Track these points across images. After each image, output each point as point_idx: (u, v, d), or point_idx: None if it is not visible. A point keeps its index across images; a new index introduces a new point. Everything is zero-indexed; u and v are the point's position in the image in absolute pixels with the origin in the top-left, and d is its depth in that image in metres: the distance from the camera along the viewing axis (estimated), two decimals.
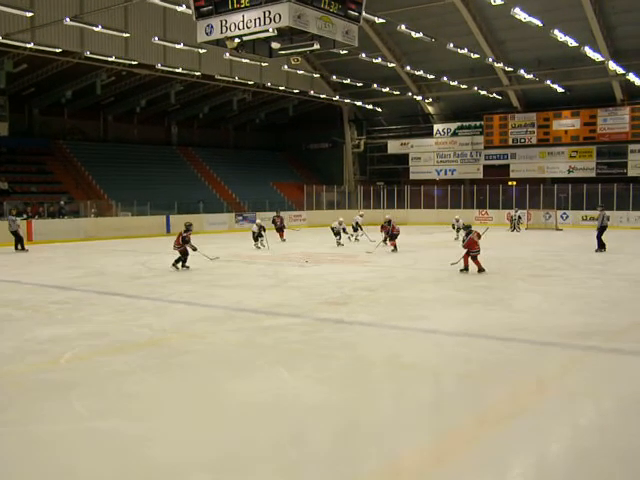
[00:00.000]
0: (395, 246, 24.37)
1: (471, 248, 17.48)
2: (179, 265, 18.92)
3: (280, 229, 30.27)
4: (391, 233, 24.61)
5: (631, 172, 41.70)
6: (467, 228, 18.23)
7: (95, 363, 8.81)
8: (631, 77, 37.32)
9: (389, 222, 24.65)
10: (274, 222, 30.79)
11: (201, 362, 8.79)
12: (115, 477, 5.34)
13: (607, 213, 24.05)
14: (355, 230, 29.62)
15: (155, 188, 38.83)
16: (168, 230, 34.57)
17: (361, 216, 30.77)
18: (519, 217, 36.27)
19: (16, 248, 25.36)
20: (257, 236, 26.46)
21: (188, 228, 19.22)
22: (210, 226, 36.88)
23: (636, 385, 7.92)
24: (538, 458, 5.77)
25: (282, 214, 32.21)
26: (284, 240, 29.60)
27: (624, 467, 5.52)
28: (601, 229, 23.29)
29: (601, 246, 23.12)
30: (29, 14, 27.49)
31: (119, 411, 6.84)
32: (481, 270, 17.44)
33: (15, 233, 25.39)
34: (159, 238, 31.61)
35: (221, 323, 11.35)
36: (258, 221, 27.75)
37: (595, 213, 39.85)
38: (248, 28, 17.19)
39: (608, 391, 7.69)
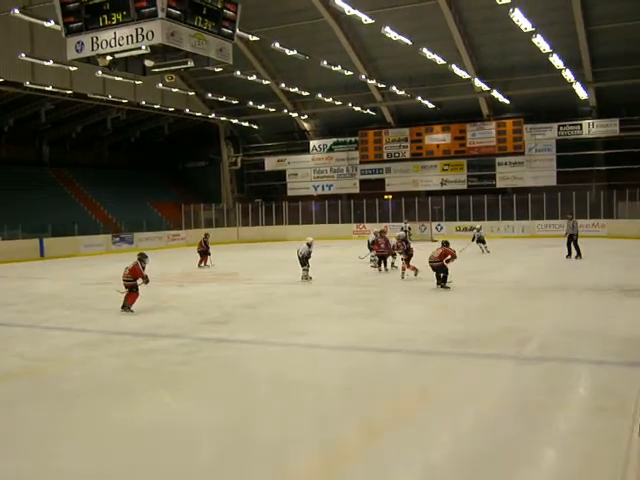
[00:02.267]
0: (415, 270, 19.17)
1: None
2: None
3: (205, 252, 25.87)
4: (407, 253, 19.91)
5: (499, 184, 43.38)
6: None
7: None
8: (495, 94, 38.92)
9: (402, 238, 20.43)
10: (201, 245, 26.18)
11: (80, 390, 8.52)
12: None
13: (577, 221, 25.14)
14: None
15: (27, 210, 37.36)
16: (42, 254, 33.37)
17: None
18: (409, 228, 36.98)
19: None
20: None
21: (144, 260, 15.55)
22: (86, 248, 35.84)
23: (511, 388, 8.23)
24: (423, 466, 5.92)
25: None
26: (207, 266, 25.48)
27: (500, 468, 5.72)
28: (570, 236, 24.22)
29: (572, 252, 23.65)
30: None
31: None
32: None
33: None
34: (32, 262, 30.50)
35: (99, 348, 11.04)
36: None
37: (465, 223, 41.45)
38: (120, 45, 16.83)
39: (485, 394, 7.96)
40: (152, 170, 52.59)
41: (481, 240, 28.46)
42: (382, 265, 21.72)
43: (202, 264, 25.53)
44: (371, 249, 22.65)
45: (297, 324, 12.74)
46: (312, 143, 48.92)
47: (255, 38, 29.10)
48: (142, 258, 15.42)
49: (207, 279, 21.31)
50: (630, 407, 6.59)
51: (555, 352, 9.98)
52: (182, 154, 52.83)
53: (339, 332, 11.88)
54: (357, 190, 47.39)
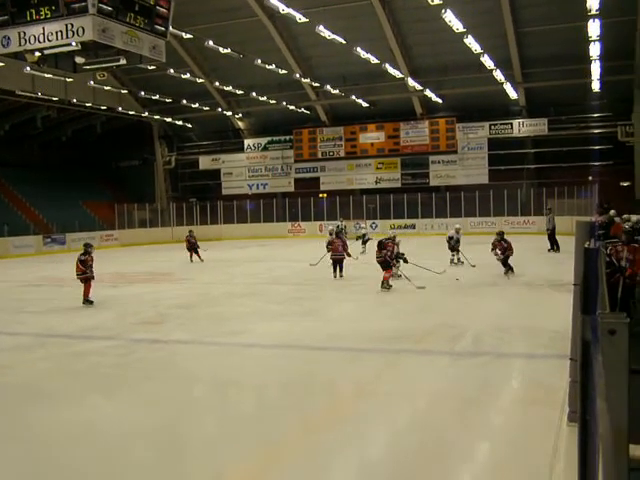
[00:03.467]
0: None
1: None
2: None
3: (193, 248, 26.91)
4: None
5: (433, 182, 43.95)
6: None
7: None
8: (428, 93, 39.38)
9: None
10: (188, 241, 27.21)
11: (9, 395, 8.33)
12: None
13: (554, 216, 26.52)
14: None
15: None
16: None
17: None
18: (345, 226, 37.08)
19: None
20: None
21: (87, 250, 15.99)
22: (16, 249, 35.04)
23: (446, 383, 8.36)
24: (359, 463, 5.97)
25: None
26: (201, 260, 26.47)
27: (440, 462, 5.81)
28: (552, 230, 25.35)
29: (554, 246, 25.24)
30: None
31: None
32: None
33: None
34: None
35: (30, 351, 10.81)
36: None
37: (400, 221, 41.90)
38: (49, 41, 16.52)
39: (420, 390, 8.07)
40: (85, 169, 51.62)
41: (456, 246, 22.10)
42: (337, 271, 18.98)
43: (192, 259, 26.65)
44: (329, 249, 19.87)
45: (233, 323, 12.70)
46: (246, 142, 48.77)
47: (189, 36, 28.86)
48: (85, 248, 16.13)
49: (141, 279, 21.06)
50: (559, 398, 6.76)
51: (488, 347, 10.17)
52: (115, 153, 52.05)
53: (275, 331, 11.89)
54: (292, 189, 47.43)
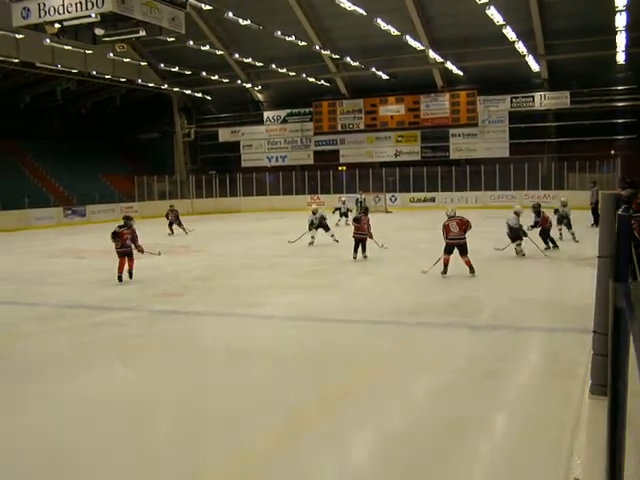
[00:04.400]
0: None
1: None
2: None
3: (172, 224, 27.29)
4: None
5: (453, 155, 43.63)
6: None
7: None
8: (449, 65, 39.00)
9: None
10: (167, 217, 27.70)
11: (31, 364, 8.40)
12: None
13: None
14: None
15: None
16: None
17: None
18: (364, 199, 37.00)
19: None
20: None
21: (126, 222, 15.54)
22: (37, 221, 35.29)
23: (464, 356, 8.35)
24: (378, 434, 5.98)
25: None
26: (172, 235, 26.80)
27: (458, 435, 5.80)
28: (596, 204, 24.28)
29: (597, 220, 23.97)
30: None
31: None
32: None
33: None
34: None
35: (52, 322, 10.90)
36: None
37: (419, 195, 41.76)
38: (69, 13, 16.53)
39: (439, 363, 8.06)
40: (104, 142, 51.71)
41: (564, 220, 20.65)
42: (359, 251, 17.25)
43: (172, 232, 26.93)
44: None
45: (251, 295, 12.72)
46: (266, 114, 48.60)
47: (208, 7, 28.67)
48: (125, 221, 15.63)
49: (162, 251, 21.12)
50: (580, 371, 6.72)
51: (507, 321, 10.14)
52: (135, 125, 52.03)
53: (293, 303, 11.92)
54: (311, 161, 47.27)
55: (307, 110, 46.98)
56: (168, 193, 46.24)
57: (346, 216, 29.50)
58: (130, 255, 15.08)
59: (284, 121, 47.91)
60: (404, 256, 17.95)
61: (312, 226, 21.08)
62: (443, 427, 5.95)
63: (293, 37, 33.70)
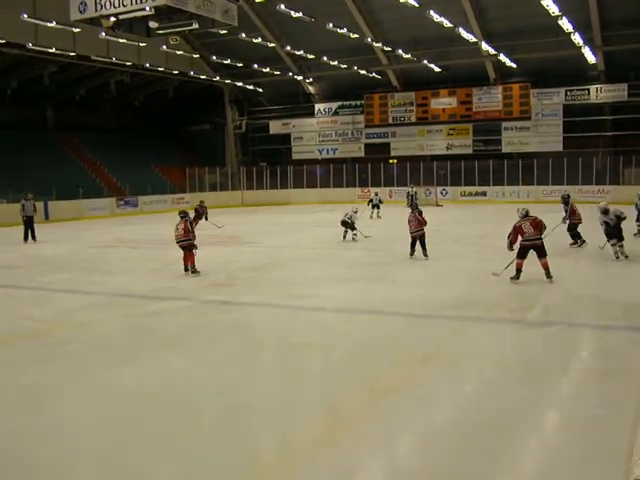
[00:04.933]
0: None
1: None
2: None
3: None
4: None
5: (505, 149, 43.14)
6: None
7: None
8: (502, 57, 38.52)
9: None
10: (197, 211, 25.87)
11: (87, 351, 8.59)
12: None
13: None
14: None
15: (31, 174, 37.25)
16: (47, 217, 33.37)
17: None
18: (415, 193, 36.87)
19: (26, 238, 23.02)
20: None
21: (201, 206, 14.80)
22: (90, 211, 35.87)
23: (513, 352, 8.27)
24: (425, 429, 5.96)
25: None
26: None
27: (501, 431, 5.75)
28: None
29: None
30: None
31: (5, 407, 6.61)
32: None
33: (29, 220, 23.21)
34: (37, 225, 30.47)
35: (106, 310, 11.10)
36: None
37: (470, 188, 41.39)
38: (124, 6, 16.76)
39: (487, 359, 7.99)
40: (156, 133, 52.36)
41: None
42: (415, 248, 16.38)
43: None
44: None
45: (302, 287, 12.77)
46: (317, 106, 48.65)
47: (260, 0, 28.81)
48: (186, 215, 15.37)
49: (212, 242, 21.31)
50: (635, 370, 6.61)
51: (559, 316, 10.01)
52: (187, 117, 52.52)
53: (343, 295, 11.93)
54: (362, 154, 47.20)
55: (358, 103, 46.88)
56: (219, 185, 46.65)
57: (378, 208, 29.85)
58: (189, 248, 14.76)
59: (335, 113, 47.88)
60: (454, 250, 17.84)
61: (346, 225, 20.83)
62: (492, 424, 5.89)
63: (345, 29, 33.65)
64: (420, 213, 16.54)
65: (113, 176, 43.92)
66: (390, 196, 41.97)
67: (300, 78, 46.43)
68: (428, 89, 44.50)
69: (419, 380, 7.28)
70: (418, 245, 16.10)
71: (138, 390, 6.95)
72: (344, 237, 20.44)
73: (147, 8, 16.66)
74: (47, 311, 11.22)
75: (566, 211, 17.85)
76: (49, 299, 12.37)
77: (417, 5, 28.10)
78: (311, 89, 48.72)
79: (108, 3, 17.01)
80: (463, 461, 5.23)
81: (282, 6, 28.52)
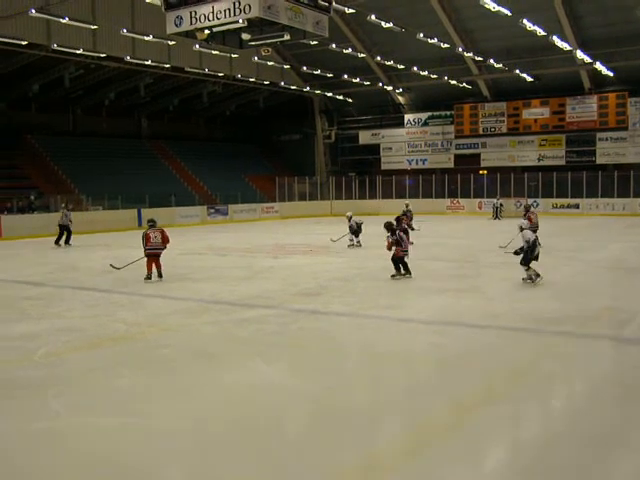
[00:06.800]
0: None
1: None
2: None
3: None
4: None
5: (599, 160, 42.08)
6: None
7: (70, 359, 8.75)
8: (598, 66, 37.60)
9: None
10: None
11: (178, 355, 8.76)
12: (90, 472, 5.32)
13: None
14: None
15: (126, 182, 38.44)
16: (140, 224, 34.24)
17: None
18: (501, 205, 36.43)
19: (57, 242, 24.53)
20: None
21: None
22: (182, 219, 36.68)
23: (608, 369, 8.03)
24: (512, 444, 5.83)
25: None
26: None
27: (595, 451, 5.58)
28: None
29: None
30: None
31: (96, 407, 6.79)
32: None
33: (65, 227, 24.67)
34: (131, 232, 31.34)
35: (196, 316, 11.31)
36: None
37: (563, 200, 40.46)
38: (218, 19, 17.09)
39: (581, 376, 7.78)
40: (247, 143, 53.21)
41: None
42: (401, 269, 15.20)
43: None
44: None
45: (389, 298, 12.72)
46: (406, 117, 48.54)
47: (351, 10, 28.96)
48: (155, 224, 16.31)
49: (300, 251, 21.47)
50: None
51: None
52: (277, 127, 53.21)
53: (431, 307, 11.82)
54: (452, 165, 46.85)
55: (448, 113, 46.59)
56: (308, 194, 47.01)
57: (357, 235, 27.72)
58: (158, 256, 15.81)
59: (425, 124, 47.67)
60: (545, 262, 17.42)
61: (352, 230, 21.95)
62: (584, 445, 5.70)
63: (435, 39, 33.45)
64: (406, 232, 16.10)
65: (204, 184, 44.82)
66: (479, 207, 41.56)
67: (390, 88, 46.42)
68: (520, 99, 43.87)
69: (508, 396, 7.13)
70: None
71: (226, 396, 7.05)
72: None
73: (240, 21, 16.95)
74: (139, 316, 11.50)
75: None
76: (142, 304, 12.67)
77: (510, 14, 27.72)
78: (401, 99, 48.64)
79: (203, 17, 17.38)
80: None
81: (373, 16, 28.57)
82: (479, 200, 42.66)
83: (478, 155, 46.01)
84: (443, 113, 46.90)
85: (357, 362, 8.55)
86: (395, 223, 15.60)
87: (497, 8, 26.82)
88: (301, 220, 28.35)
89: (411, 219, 26.52)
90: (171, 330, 10.32)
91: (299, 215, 41.61)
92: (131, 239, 24.25)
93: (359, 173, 49.08)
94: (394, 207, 43.74)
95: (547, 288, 13.66)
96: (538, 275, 13.81)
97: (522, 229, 14.26)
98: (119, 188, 36.12)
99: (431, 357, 8.61)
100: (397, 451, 5.65)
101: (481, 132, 45.45)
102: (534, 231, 18.67)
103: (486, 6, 26.42)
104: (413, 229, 21.58)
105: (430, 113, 47.51)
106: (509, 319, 10.61)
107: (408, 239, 16.08)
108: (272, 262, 18.82)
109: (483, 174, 45.32)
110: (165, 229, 16.18)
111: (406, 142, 48.62)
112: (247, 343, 9.38)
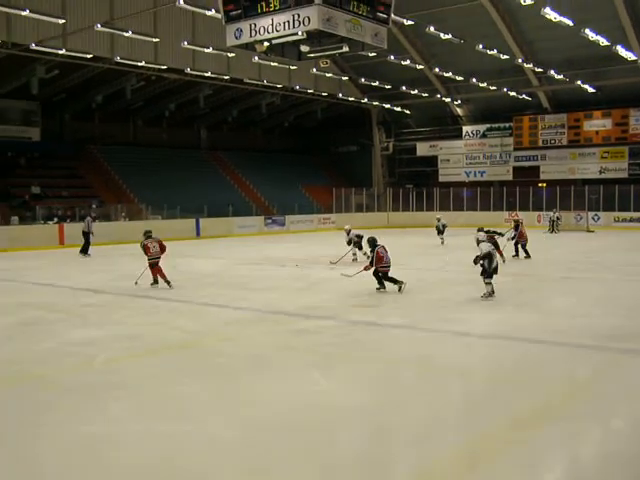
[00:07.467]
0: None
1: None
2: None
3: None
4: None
5: None
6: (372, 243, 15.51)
7: (129, 365, 8.89)
8: None
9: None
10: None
11: (235, 364, 8.82)
12: (147, 478, 5.39)
13: None
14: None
15: (184, 192, 38.97)
16: (198, 234, 34.74)
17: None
18: (557, 218, 35.93)
19: (82, 251, 25.25)
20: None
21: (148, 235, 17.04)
22: (239, 229, 37.03)
23: None
24: (570, 462, 5.73)
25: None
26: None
27: None
28: None
29: None
30: (61, 21, 27.68)
31: (154, 413, 6.89)
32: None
33: (86, 236, 25.40)
34: (189, 241, 31.77)
35: (253, 326, 11.39)
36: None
37: (625, 214, 39.66)
38: (277, 32, 17.21)
39: None
40: (304, 154, 53.49)
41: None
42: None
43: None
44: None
45: (447, 311, 12.62)
46: (465, 129, 48.23)
47: (409, 22, 28.95)
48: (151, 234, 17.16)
49: (358, 262, 21.42)
50: None
51: None
52: (334, 138, 53.37)
53: (489, 321, 11.68)
54: (510, 177, 46.35)
55: (507, 125, 46.15)
56: (365, 206, 46.99)
57: (441, 233, 28.68)
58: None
59: (483, 136, 47.32)
60: (606, 277, 17.15)
61: (350, 243, 21.81)
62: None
63: (495, 50, 33.25)
64: (496, 245, 16.42)
65: (261, 195, 45.16)
66: (538, 221, 40.94)
67: (448, 100, 46.20)
68: (581, 111, 43.21)
69: (566, 413, 6.99)
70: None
71: (281, 406, 7.06)
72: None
73: (299, 33, 17.02)
74: (197, 324, 11.63)
75: None
76: (199, 313, 12.82)
77: (572, 24, 27.35)
78: (459, 111, 48.36)
79: (262, 29, 17.52)
80: None
81: (432, 28, 28.53)
82: (538, 213, 42.05)
83: (537, 167, 45.43)
84: (502, 125, 46.45)
85: (413, 376, 8.49)
86: (375, 240, 15.61)
87: (559, 18, 26.51)
88: (358, 232, 28.22)
89: (442, 232, 26.95)
90: (229, 339, 10.41)
91: (356, 227, 41.46)
92: (188, 248, 24.59)
93: (416, 185, 48.90)
94: (452, 219, 43.52)
95: (608, 303, 13.41)
96: (493, 293, 13.86)
97: (479, 242, 14.30)
98: (178, 198, 36.63)
99: (488, 371, 8.50)
100: (454, 467, 5.59)
101: (540, 144, 44.87)
102: (524, 245, 20.32)
103: (547, 17, 26.14)
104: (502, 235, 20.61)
105: (489, 125, 47.11)
106: (567, 334, 10.42)
107: (501, 254, 16.83)
108: (329, 273, 18.83)
109: (542, 187, 44.71)
110: (163, 241, 17.06)
111: (464, 154, 48.31)
112: (303, 353, 9.42)
